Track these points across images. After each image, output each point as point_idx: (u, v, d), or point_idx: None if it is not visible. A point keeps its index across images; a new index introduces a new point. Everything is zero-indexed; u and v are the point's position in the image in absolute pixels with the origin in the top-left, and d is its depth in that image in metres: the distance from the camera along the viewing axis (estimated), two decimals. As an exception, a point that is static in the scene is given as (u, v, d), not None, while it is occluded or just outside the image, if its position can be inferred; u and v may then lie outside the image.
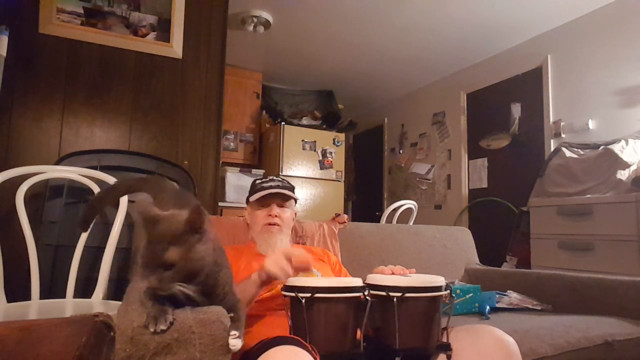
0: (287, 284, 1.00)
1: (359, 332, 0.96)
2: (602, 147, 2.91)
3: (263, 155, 4.41)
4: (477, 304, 1.70)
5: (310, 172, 4.08)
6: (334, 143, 4.23)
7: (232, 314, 0.79)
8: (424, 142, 4.98)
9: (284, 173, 3.93)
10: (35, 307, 1.41)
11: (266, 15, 3.50)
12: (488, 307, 1.63)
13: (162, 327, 0.69)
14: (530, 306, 1.73)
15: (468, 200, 4.36)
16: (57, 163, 1.91)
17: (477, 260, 2.21)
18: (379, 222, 3.13)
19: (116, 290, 1.69)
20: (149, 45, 2.29)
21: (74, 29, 2.14)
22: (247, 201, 1.49)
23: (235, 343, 0.75)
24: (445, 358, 0.97)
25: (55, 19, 2.10)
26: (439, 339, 0.98)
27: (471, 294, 1.70)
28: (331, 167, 4.18)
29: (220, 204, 3.09)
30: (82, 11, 2.17)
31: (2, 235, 1.49)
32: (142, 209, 0.78)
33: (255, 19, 3.50)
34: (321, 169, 4.13)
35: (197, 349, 0.71)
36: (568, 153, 3.11)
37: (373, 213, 5.36)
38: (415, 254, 2.01)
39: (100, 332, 0.63)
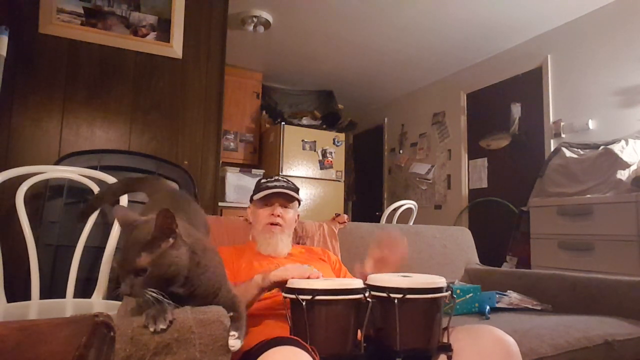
0: (287, 285, 1.00)
1: (359, 333, 0.96)
2: (602, 147, 2.91)
3: (263, 155, 4.41)
4: (477, 304, 1.70)
5: (310, 172, 4.08)
6: (334, 143, 4.23)
7: (232, 313, 0.78)
8: (424, 142, 4.98)
9: (284, 173, 3.93)
10: (35, 307, 1.41)
11: (266, 15, 3.50)
12: (488, 307, 1.63)
13: (162, 326, 0.69)
14: (530, 306, 1.73)
15: (468, 200, 4.36)
16: (57, 163, 1.91)
17: (477, 260, 2.21)
18: (379, 222, 3.13)
19: (116, 290, 1.69)
20: (149, 45, 2.29)
21: (74, 29, 2.14)
22: (251, 200, 1.48)
23: (235, 343, 0.75)
24: (446, 358, 0.97)
25: (55, 19, 2.10)
26: (440, 340, 0.98)
27: (471, 294, 1.70)
28: (331, 167, 4.18)
29: (220, 204, 3.09)
30: (82, 11, 2.17)
31: (2, 235, 1.48)
32: (120, 214, 0.79)
33: (255, 19, 3.50)
34: (321, 169, 4.13)
35: (197, 349, 0.71)
36: (568, 153, 3.11)
37: (373, 213, 5.36)
38: (415, 254, 2.01)
39: (100, 332, 0.63)
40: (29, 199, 1.55)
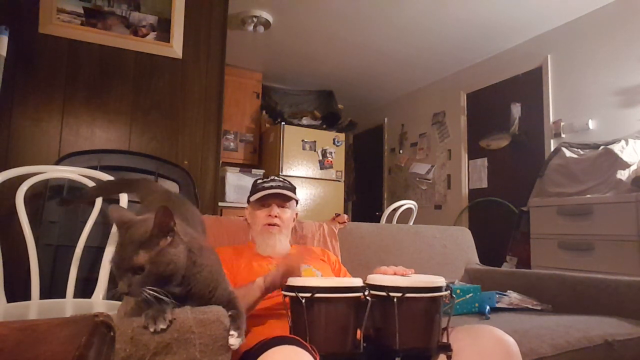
0: (287, 283, 1.00)
1: (359, 332, 0.96)
2: (602, 147, 2.91)
3: (263, 155, 4.41)
4: (477, 304, 1.70)
5: (310, 172, 4.08)
6: (334, 143, 4.23)
7: (231, 312, 0.78)
8: (424, 142, 4.98)
9: (284, 173, 3.93)
10: (35, 307, 1.41)
11: (266, 15, 3.50)
12: (488, 307, 1.63)
13: (162, 326, 0.69)
14: (530, 306, 1.73)
15: (468, 200, 4.36)
16: (57, 163, 1.91)
17: (477, 260, 2.21)
18: (379, 222, 3.13)
19: (113, 290, 1.68)
20: (149, 45, 2.29)
21: (74, 29, 2.14)
22: (248, 201, 1.49)
23: (235, 342, 0.75)
24: (446, 358, 0.97)
25: (55, 19, 2.10)
26: (439, 339, 0.98)
27: (471, 294, 1.70)
28: (331, 167, 4.18)
29: (220, 204, 3.09)
30: (82, 11, 2.17)
31: (2, 235, 1.48)
32: (116, 214, 0.78)
33: (255, 19, 3.50)
34: (321, 169, 4.13)
35: (197, 349, 0.71)
36: (568, 153, 3.11)
37: (373, 213, 5.36)
38: (415, 254, 2.01)
39: (100, 332, 0.63)
40: (29, 199, 1.55)
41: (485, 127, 4.21)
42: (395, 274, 1.10)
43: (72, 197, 1.34)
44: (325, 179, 4.15)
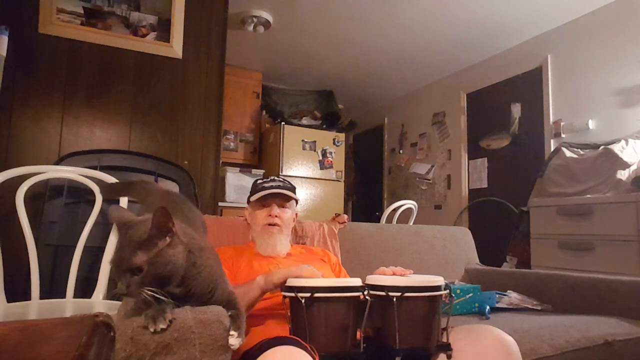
0: (287, 284, 1.01)
1: (359, 332, 0.96)
2: (602, 147, 2.91)
3: (263, 155, 4.41)
4: (477, 304, 1.70)
5: (310, 172, 4.08)
6: (334, 143, 4.23)
7: (231, 313, 0.78)
8: (424, 142, 4.98)
9: (284, 173, 3.93)
10: (35, 307, 1.41)
11: (266, 15, 3.50)
12: (488, 307, 1.63)
13: (162, 325, 0.69)
14: (530, 306, 1.73)
15: (468, 200, 4.36)
16: (57, 163, 1.91)
17: (477, 260, 2.21)
18: (379, 222, 3.13)
19: (113, 290, 1.68)
20: (149, 45, 2.29)
21: (74, 29, 2.14)
22: (248, 201, 1.49)
23: (235, 342, 0.75)
24: (446, 358, 0.97)
25: (55, 19, 2.10)
26: (439, 339, 0.98)
27: (471, 294, 1.70)
28: (331, 167, 4.18)
29: (220, 204, 3.09)
30: (82, 11, 2.17)
31: (2, 235, 1.48)
32: (115, 214, 0.78)
33: (255, 19, 3.50)
34: (321, 169, 4.13)
35: (197, 349, 0.71)
36: (568, 153, 3.11)
37: (373, 213, 5.36)
38: (415, 254, 2.01)
39: (100, 332, 0.63)
40: (29, 199, 1.55)
41: (485, 127, 4.21)
42: (393, 274, 1.10)
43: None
44: (325, 179, 4.15)
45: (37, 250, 1.51)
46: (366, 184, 5.93)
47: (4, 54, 1.79)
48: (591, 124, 3.23)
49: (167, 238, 0.75)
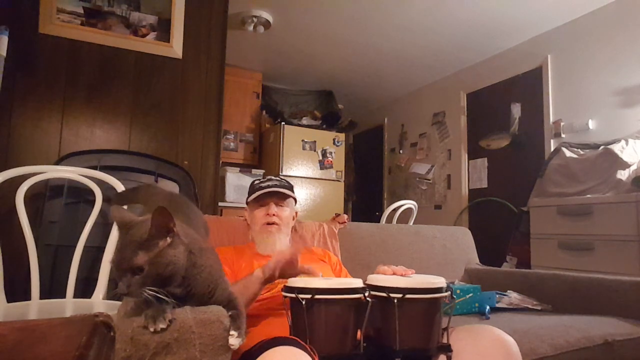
0: (287, 284, 1.00)
1: (359, 332, 0.96)
2: (602, 147, 2.91)
3: (263, 155, 4.41)
4: (477, 304, 1.70)
5: (310, 172, 4.08)
6: (334, 143, 4.23)
7: (231, 313, 0.78)
8: (424, 142, 4.98)
9: (284, 173, 3.93)
10: (35, 307, 1.41)
11: (266, 15, 3.50)
12: (488, 307, 1.63)
13: (162, 325, 0.69)
14: (530, 306, 1.73)
15: (468, 200, 4.36)
16: (57, 163, 1.91)
17: (477, 260, 2.21)
18: (379, 222, 3.13)
19: (113, 290, 1.68)
20: (149, 45, 2.29)
21: (74, 29, 2.14)
22: (247, 202, 1.49)
23: (235, 342, 0.75)
24: (446, 359, 0.97)
25: (55, 19, 2.10)
26: (440, 340, 0.98)
27: (471, 294, 1.70)
28: (331, 167, 4.18)
29: (220, 204, 3.09)
30: (82, 11, 2.17)
31: (2, 235, 1.48)
32: (117, 214, 0.78)
33: (255, 19, 3.50)
34: (321, 169, 4.13)
35: (197, 348, 0.71)
36: (568, 153, 3.11)
37: (373, 213, 5.36)
38: (415, 254, 2.01)
39: (100, 332, 0.63)
40: (29, 199, 1.55)
41: (485, 127, 4.21)
42: (394, 273, 1.10)
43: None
44: (325, 179, 4.15)
45: (37, 250, 1.51)
46: (366, 184, 5.93)
47: (4, 54, 1.79)
48: (591, 124, 3.23)
49: (168, 238, 0.75)
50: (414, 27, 3.65)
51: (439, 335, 0.98)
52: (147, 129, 2.27)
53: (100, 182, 1.64)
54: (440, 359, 0.98)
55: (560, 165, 3.12)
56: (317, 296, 0.92)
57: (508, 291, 1.80)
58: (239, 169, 3.76)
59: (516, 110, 3.90)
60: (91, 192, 1.63)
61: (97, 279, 1.58)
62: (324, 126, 4.35)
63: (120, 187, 1.64)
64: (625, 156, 2.75)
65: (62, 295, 1.55)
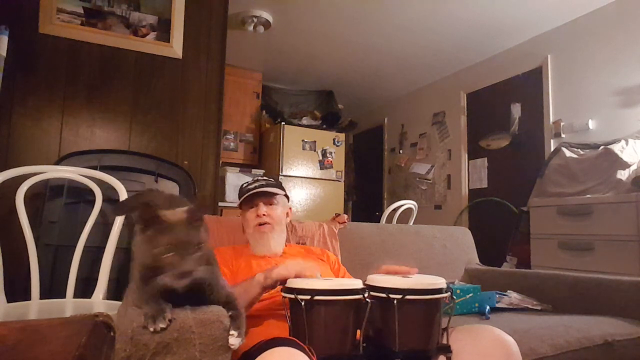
0: (287, 285, 1.00)
1: (358, 333, 0.96)
2: (602, 147, 2.91)
3: (263, 155, 4.41)
4: (477, 304, 1.70)
5: (310, 172, 4.08)
6: (334, 143, 4.23)
7: (231, 313, 0.78)
8: (424, 142, 4.98)
9: (284, 173, 3.93)
10: (35, 307, 1.41)
11: (266, 15, 3.50)
12: (488, 307, 1.63)
13: (162, 325, 0.69)
14: (530, 306, 1.73)
15: (468, 200, 4.36)
16: (57, 163, 1.91)
17: (477, 260, 2.21)
18: (379, 222, 3.13)
19: (116, 290, 1.69)
20: (149, 45, 2.29)
21: (74, 29, 2.14)
22: (239, 206, 1.49)
23: (235, 342, 0.75)
24: (445, 359, 0.97)
25: (55, 19, 2.10)
26: (439, 341, 0.98)
27: (471, 294, 1.70)
28: (331, 167, 4.18)
29: (220, 204, 3.09)
30: (82, 11, 2.17)
31: (2, 235, 1.48)
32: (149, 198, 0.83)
33: (255, 19, 3.50)
34: (321, 169, 4.13)
35: (197, 348, 0.71)
36: (568, 153, 3.11)
37: (373, 213, 5.36)
38: (415, 254, 2.01)
39: (100, 332, 0.63)
40: (29, 199, 1.55)
41: (485, 127, 4.21)
42: (397, 272, 1.10)
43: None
44: (325, 179, 4.15)
45: (37, 250, 1.51)
46: (366, 184, 5.93)
47: (4, 54, 1.80)
48: (591, 124, 3.23)
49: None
50: (414, 27, 3.65)
51: (439, 336, 0.98)
52: (147, 129, 2.27)
53: (100, 182, 1.65)
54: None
55: (560, 165, 3.12)
56: (316, 297, 0.92)
57: (508, 291, 1.80)
58: (239, 169, 3.76)
59: (516, 110, 3.90)
60: (91, 192, 1.63)
61: (97, 279, 1.58)
62: (324, 126, 4.35)
63: (120, 187, 1.64)
64: (625, 156, 2.75)
65: (62, 295, 1.55)
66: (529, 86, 3.79)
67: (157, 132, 2.29)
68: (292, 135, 4.04)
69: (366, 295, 0.95)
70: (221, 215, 3.15)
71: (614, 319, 1.48)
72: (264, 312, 1.16)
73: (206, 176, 2.39)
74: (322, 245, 1.80)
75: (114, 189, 1.64)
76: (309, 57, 4.33)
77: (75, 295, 1.56)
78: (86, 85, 2.15)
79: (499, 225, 3.86)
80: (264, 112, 4.48)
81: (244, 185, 1.47)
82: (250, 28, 3.57)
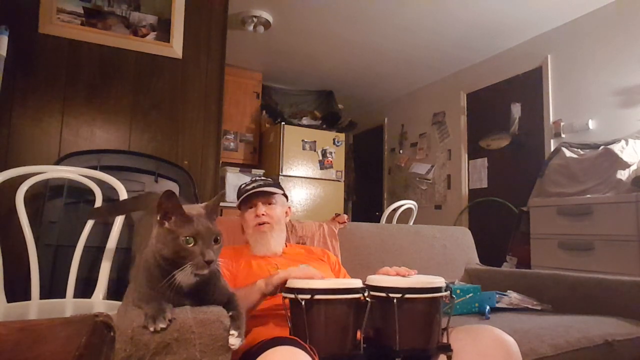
0: (287, 285, 1.00)
1: (359, 333, 0.96)
2: (602, 147, 2.91)
3: (263, 155, 4.41)
4: (477, 304, 1.70)
5: (310, 172, 4.08)
6: (334, 143, 4.23)
7: (231, 313, 0.78)
8: (424, 142, 4.98)
9: (284, 173, 3.93)
10: (35, 307, 1.41)
11: (266, 15, 3.50)
12: (488, 307, 1.63)
13: (162, 325, 0.69)
14: (530, 306, 1.73)
15: (468, 200, 4.36)
16: (57, 163, 1.91)
17: (477, 260, 2.21)
18: (379, 222, 3.13)
19: (116, 290, 1.69)
20: (149, 45, 2.29)
21: (74, 29, 2.14)
22: (238, 207, 1.49)
23: (235, 342, 0.75)
24: (446, 359, 0.97)
25: (55, 19, 2.10)
26: (439, 340, 0.98)
27: (471, 294, 1.70)
28: (331, 167, 4.18)
29: (220, 203, 3.09)
30: (82, 11, 2.17)
31: (2, 235, 1.48)
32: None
33: (255, 19, 3.50)
34: (321, 169, 4.13)
35: (197, 348, 0.71)
36: (568, 153, 3.11)
37: (373, 213, 5.36)
38: (415, 254, 2.01)
39: (100, 332, 0.63)
40: (29, 199, 1.55)
41: (485, 127, 4.21)
42: (397, 274, 1.10)
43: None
44: (325, 179, 4.15)
45: (37, 250, 1.51)
46: (366, 184, 5.93)
47: (4, 54, 1.79)
48: (591, 124, 3.23)
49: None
50: (414, 27, 3.65)
51: (439, 335, 0.98)
52: (147, 129, 2.27)
53: (100, 182, 1.64)
54: (440, 359, 0.98)
55: (560, 165, 3.12)
56: (316, 296, 0.92)
57: (508, 291, 1.80)
58: (239, 169, 3.76)
59: (516, 110, 3.90)
60: (91, 192, 1.63)
61: (97, 279, 1.58)
62: (324, 126, 4.35)
63: (120, 187, 1.64)
64: (625, 156, 2.75)
65: (62, 295, 1.55)
66: (529, 86, 3.79)
67: (157, 132, 2.29)
68: (292, 135, 4.03)
69: (366, 294, 0.95)
70: (221, 215, 3.15)
71: (614, 319, 1.48)
72: (265, 312, 1.16)
73: (206, 176, 2.39)
74: (322, 245, 1.80)
75: (114, 189, 1.64)
76: (309, 57, 4.33)
77: (75, 296, 1.56)
78: (86, 85, 2.15)
79: (499, 225, 3.86)
80: (264, 112, 4.48)
81: (242, 185, 1.48)
82: (250, 28, 3.57)
